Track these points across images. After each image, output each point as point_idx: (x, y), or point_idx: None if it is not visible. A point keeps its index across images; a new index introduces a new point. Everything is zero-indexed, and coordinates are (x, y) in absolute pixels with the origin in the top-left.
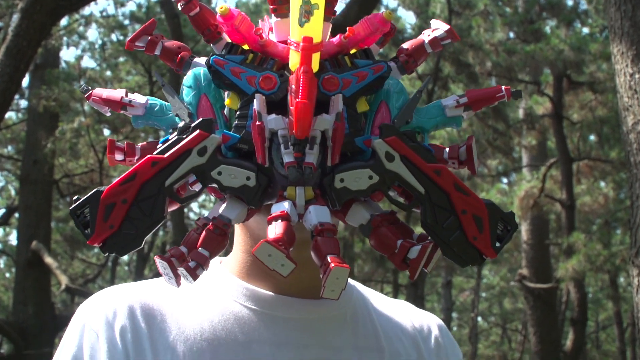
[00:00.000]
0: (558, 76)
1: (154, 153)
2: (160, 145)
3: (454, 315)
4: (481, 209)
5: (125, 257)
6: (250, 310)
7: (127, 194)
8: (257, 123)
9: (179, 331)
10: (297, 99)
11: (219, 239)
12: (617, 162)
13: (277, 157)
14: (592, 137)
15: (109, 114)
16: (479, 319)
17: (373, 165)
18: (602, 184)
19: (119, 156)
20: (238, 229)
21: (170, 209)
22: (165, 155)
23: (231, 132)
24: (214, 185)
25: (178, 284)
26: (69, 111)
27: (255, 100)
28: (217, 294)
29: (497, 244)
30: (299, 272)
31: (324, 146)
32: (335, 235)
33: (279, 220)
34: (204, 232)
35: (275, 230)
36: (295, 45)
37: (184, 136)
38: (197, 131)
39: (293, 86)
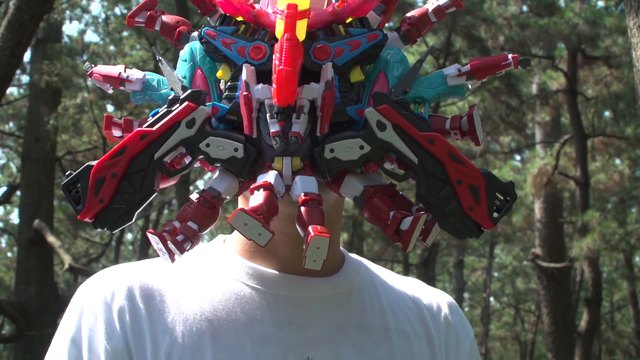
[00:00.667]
0: (572, 50)
1: (144, 126)
2: (150, 118)
3: (466, 295)
4: (478, 179)
5: (130, 236)
6: (252, 289)
7: (117, 168)
8: (244, 93)
9: (179, 311)
10: (279, 67)
11: (207, 212)
12: (633, 138)
13: (265, 128)
14: (607, 113)
15: (110, 91)
16: (491, 299)
17: (364, 134)
18: (617, 161)
19: (116, 132)
20: (241, 206)
21: (164, 185)
22: (154, 128)
23: (221, 104)
24: (202, 157)
25: (172, 259)
26: (71, 87)
27: (243, 70)
28: (219, 273)
29: (495, 215)
30: (301, 249)
31: (315, 116)
32: (320, 205)
33: (261, 190)
34: (193, 206)
35: (255, 200)
36: (280, 12)
37: (173, 108)
38: (186, 103)
39: (277, 54)
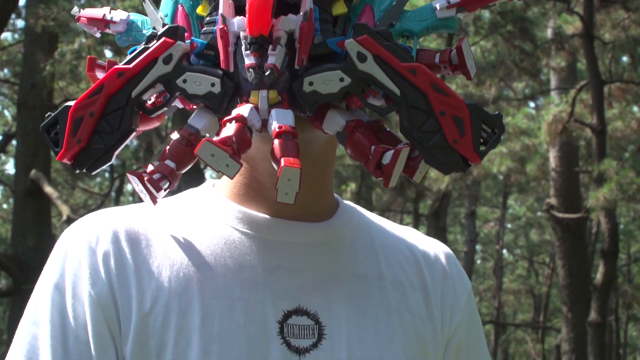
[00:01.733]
0: None
1: (121, 64)
2: (128, 55)
3: (478, 247)
4: (462, 110)
5: (130, 187)
6: (242, 234)
7: (94, 107)
8: (220, 27)
9: (165, 256)
10: None
11: (185, 149)
12: None
13: (242, 62)
14: (625, 58)
15: (98, 35)
16: (504, 251)
17: (344, 66)
18: (635, 108)
19: (100, 74)
20: None
21: (147, 127)
22: (131, 65)
23: (199, 39)
24: (179, 93)
25: (154, 201)
26: (68, 32)
27: (220, 3)
28: (208, 218)
29: (482, 148)
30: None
31: (293, 49)
32: (295, 138)
33: (232, 122)
34: (170, 144)
35: (226, 132)
36: None
37: (150, 45)
38: (163, 39)
39: None
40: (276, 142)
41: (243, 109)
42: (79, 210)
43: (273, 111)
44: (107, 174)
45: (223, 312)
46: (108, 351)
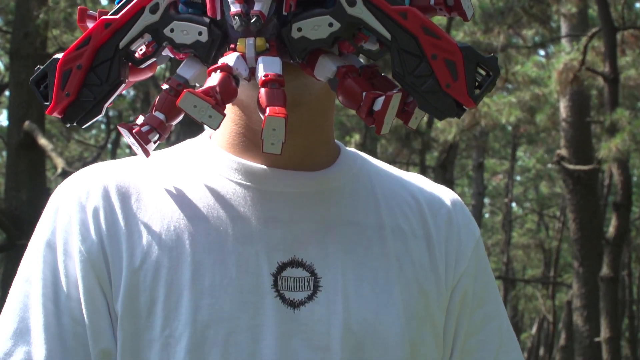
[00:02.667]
0: None
1: (108, 14)
2: (116, 5)
3: (486, 200)
4: (454, 53)
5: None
6: (236, 185)
7: (82, 59)
8: None
9: (156, 210)
10: None
11: (174, 100)
12: None
13: (228, 9)
14: (639, 5)
15: None
16: (513, 204)
17: (333, 11)
18: None
19: (91, 25)
20: None
21: (138, 78)
22: (118, 15)
23: None
24: (167, 43)
25: (146, 154)
26: None
27: None
28: (201, 169)
29: (477, 92)
30: (288, 140)
31: None
32: (282, 86)
33: (217, 72)
34: (160, 95)
35: (210, 81)
36: None
37: None
38: None
39: None
40: (262, 90)
41: (229, 58)
42: (74, 163)
43: (260, 59)
44: (103, 126)
45: (215, 265)
46: (99, 308)
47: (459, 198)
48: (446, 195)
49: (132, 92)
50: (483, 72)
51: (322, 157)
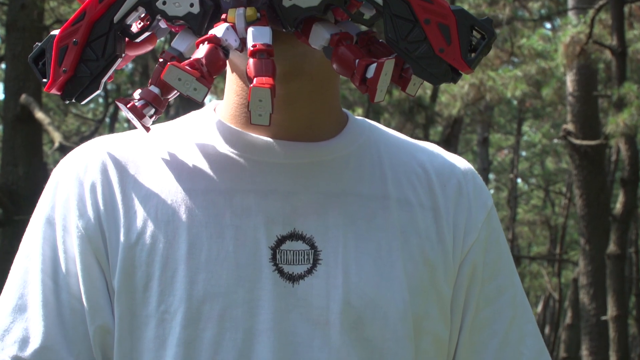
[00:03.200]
0: None
1: None
2: None
3: (491, 176)
4: (447, 17)
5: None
6: (236, 157)
7: (78, 35)
8: None
9: (154, 184)
10: None
11: None
12: None
13: None
14: None
15: None
16: (519, 180)
17: None
18: None
19: None
20: (228, 69)
21: (136, 52)
22: None
23: None
24: (160, 15)
25: (146, 128)
26: None
27: None
28: (202, 141)
29: (472, 56)
30: (289, 111)
31: None
32: (270, 56)
33: (205, 44)
34: (155, 69)
35: (197, 54)
36: None
37: None
38: None
39: None
40: (250, 61)
41: (218, 29)
42: (71, 137)
43: (250, 29)
44: (101, 100)
45: (211, 239)
46: (97, 284)
47: (471, 167)
48: (457, 164)
49: (130, 66)
50: (478, 35)
51: (327, 127)
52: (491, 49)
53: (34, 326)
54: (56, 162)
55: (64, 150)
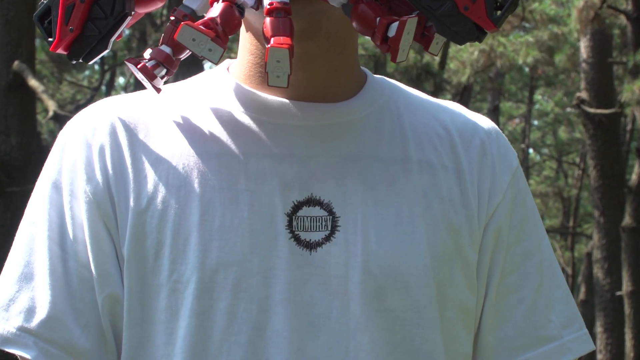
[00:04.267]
0: None
1: None
2: None
3: None
4: None
5: (122, 81)
6: (251, 119)
7: None
8: None
9: (165, 147)
10: None
11: None
12: None
13: None
14: None
15: None
16: (531, 150)
17: None
18: None
19: None
20: (242, 27)
21: (148, 9)
22: None
23: None
24: None
25: (157, 90)
26: None
27: None
28: (215, 103)
29: (498, 13)
30: (306, 71)
31: None
32: (288, 15)
33: (219, 2)
34: (166, 27)
35: (212, 12)
36: None
37: None
38: None
39: None
40: (267, 20)
41: None
42: (66, 106)
43: None
44: (96, 66)
45: (225, 205)
46: (106, 251)
47: (495, 126)
48: (481, 124)
49: (127, 31)
50: None
51: (345, 87)
52: (518, 6)
53: (41, 295)
54: (50, 131)
55: (58, 119)
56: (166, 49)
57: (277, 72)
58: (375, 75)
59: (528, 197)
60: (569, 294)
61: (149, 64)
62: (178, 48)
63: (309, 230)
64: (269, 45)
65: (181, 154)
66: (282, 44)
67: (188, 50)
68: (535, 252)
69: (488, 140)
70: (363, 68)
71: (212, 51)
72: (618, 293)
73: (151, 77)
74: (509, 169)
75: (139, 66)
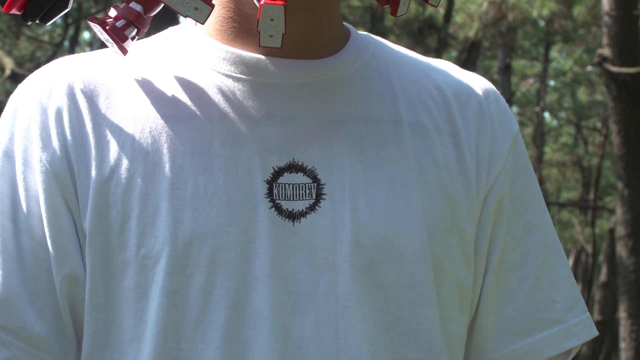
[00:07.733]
0: None
1: None
2: None
3: (514, 109)
4: None
5: (87, 36)
6: (225, 77)
7: None
8: None
9: (130, 109)
10: None
11: None
12: None
13: None
14: None
15: None
16: (546, 114)
17: None
18: None
19: None
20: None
21: None
22: None
23: None
24: None
25: (123, 52)
26: None
27: None
28: (184, 60)
29: None
30: (287, 23)
31: None
32: None
33: None
34: None
35: None
36: None
37: None
38: None
39: None
40: None
41: None
42: (25, 64)
43: None
44: (59, 20)
45: (198, 172)
46: (64, 226)
47: (493, 87)
48: (477, 84)
49: None
50: None
51: (327, 42)
52: None
53: None
54: (7, 92)
55: (16, 78)
56: (136, 6)
57: (270, 31)
58: (359, 32)
59: (529, 165)
60: (571, 274)
61: (118, 24)
62: (149, 5)
63: (292, 198)
64: (262, 2)
65: (147, 117)
66: (277, 0)
67: (159, 8)
68: (538, 225)
69: (486, 102)
70: (345, 24)
71: (198, 10)
72: None
73: (122, 39)
74: (509, 133)
75: (107, 27)
